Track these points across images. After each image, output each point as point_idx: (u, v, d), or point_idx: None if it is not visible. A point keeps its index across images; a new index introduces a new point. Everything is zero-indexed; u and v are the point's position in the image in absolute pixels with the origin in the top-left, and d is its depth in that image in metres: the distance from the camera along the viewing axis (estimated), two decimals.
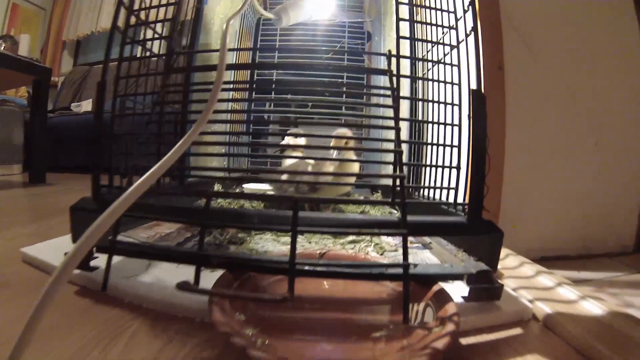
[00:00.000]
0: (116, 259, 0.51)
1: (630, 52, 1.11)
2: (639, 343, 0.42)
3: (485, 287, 0.46)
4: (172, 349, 0.35)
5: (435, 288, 0.41)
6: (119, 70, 0.51)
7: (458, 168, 0.51)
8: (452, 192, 0.58)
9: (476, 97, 0.45)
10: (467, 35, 0.53)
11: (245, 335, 0.30)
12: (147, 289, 0.45)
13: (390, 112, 0.40)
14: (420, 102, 0.78)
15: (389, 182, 0.52)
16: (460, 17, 0.56)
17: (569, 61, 1.05)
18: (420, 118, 0.77)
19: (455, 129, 0.55)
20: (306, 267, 0.36)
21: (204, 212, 0.31)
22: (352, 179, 0.70)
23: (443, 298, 0.39)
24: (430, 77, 0.54)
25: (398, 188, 0.38)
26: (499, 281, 0.47)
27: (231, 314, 0.34)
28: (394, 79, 0.39)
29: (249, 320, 0.33)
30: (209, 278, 0.39)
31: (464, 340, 0.41)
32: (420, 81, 0.76)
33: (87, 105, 2.93)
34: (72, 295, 0.47)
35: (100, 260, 0.49)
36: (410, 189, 0.75)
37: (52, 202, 1.31)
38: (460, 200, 0.56)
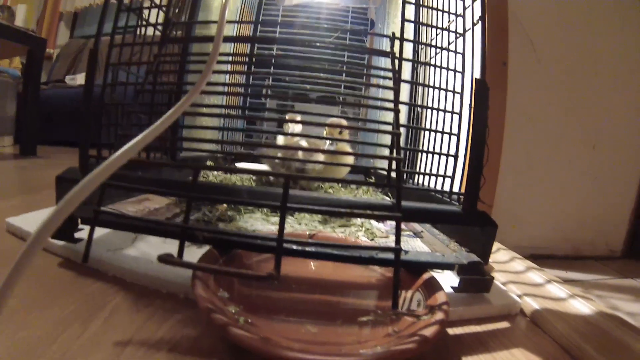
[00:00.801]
0: (102, 231, 0.50)
1: (633, 59, 1.11)
2: (626, 346, 0.42)
3: (476, 279, 0.45)
4: (153, 325, 0.34)
5: (425, 276, 0.40)
6: (112, 39, 0.49)
7: (456, 156, 0.50)
8: (446, 180, 0.57)
9: (480, 86, 0.44)
10: (473, 25, 0.52)
11: (227, 312, 0.29)
12: (131, 263, 0.44)
13: (390, 94, 0.39)
14: (420, 88, 0.76)
15: (383, 165, 0.51)
16: (468, 6, 0.55)
17: (572, 63, 1.04)
18: (420, 103, 0.75)
19: (455, 117, 0.54)
20: (295, 247, 0.35)
21: (192, 186, 0.30)
22: (346, 166, 0.68)
23: (433, 286, 0.38)
24: (433, 63, 0.53)
25: (393, 172, 0.37)
26: (490, 274, 0.47)
27: (215, 290, 0.33)
28: (396, 61, 0.38)
29: (233, 298, 0.32)
30: (195, 254, 0.38)
31: (451, 331, 0.41)
32: (421, 67, 0.74)
33: (81, 79, 2.87)
34: (55, 267, 0.46)
35: (86, 232, 0.47)
36: (404, 175, 0.73)
37: (42, 174, 1.29)
38: (455, 189, 0.55)
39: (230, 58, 0.64)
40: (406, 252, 0.42)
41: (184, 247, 0.31)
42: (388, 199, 0.79)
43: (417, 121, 0.72)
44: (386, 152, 0.50)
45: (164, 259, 0.26)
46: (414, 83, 0.50)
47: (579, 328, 0.45)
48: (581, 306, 0.49)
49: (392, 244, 0.59)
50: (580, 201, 1.16)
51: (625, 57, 1.09)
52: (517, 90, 0.92)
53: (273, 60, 0.79)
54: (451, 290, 0.46)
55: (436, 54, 0.55)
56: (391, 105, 0.38)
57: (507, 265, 0.61)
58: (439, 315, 0.31)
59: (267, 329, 0.29)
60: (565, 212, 1.16)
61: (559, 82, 1.02)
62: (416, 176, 0.67)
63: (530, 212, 1.09)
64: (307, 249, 0.36)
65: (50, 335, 0.32)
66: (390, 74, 0.42)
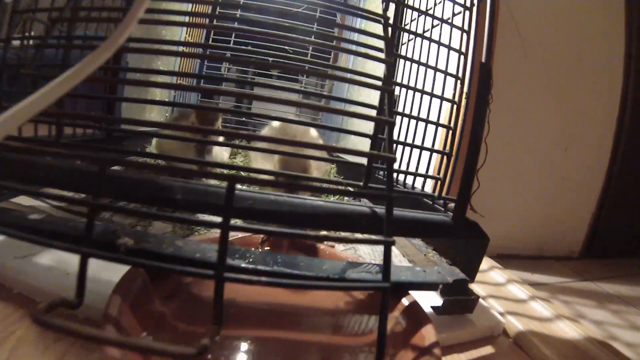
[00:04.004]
0: None
1: (612, 68, 1.12)
2: None
3: (461, 299, 0.39)
4: None
5: (405, 301, 0.33)
6: None
7: (449, 155, 0.43)
8: (422, 180, 0.50)
9: (483, 73, 0.37)
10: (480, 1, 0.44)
11: None
12: (41, 277, 0.34)
13: (373, 69, 0.30)
14: (400, 68, 0.65)
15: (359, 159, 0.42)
16: None
17: (556, 65, 1.02)
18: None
19: (433, 108, 0.46)
20: (242, 271, 0.26)
21: (97, 184, 0.20)
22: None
23: (417, 316, 0.31)
24: (435, 38, 0.44)
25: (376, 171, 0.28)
26: (475, 293, 0.41)
27: (135, 331, 0.23)
28: (390, 28, 0.29)
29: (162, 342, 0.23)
30: (116, 268, 0.28)
31: None
32: (404, 44, 0.65)
33: None
34: None
35: None
36: (377, 172, 0.63)
37: None
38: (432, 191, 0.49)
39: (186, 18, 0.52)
40: (380, 266, 0.35)
41: (84, 283, 0.21)
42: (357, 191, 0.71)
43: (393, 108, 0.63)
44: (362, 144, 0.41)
45: (39, 319, 0.16)
46: (408, 59, 0.41)
47: (568, 354, 0.40)
48: (568, 328, 0.44)
49: (366, 251, 0.52)
50: (546, 202, 1.16)
51: (606, 65, 1.09)
52: (500, 85, 0.87)
53: (235, 24, 0.67)
54: (430, 310, 0.39)
55: (433, 26, 0.46)
56: (375, 82, 0.29)
57: (486, 276, 0.56)
58: None
59: None
60: (531, 212, 1.15)
61: (542, 80, 0.99)
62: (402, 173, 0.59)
63: (500, 213, 1.07)
64: (260, 271, 0.27)
65: None
66: (372, 44, 0.33)
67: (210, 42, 0.90)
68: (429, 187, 0.64)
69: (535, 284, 0.97)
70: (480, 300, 0.46)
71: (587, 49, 1.05)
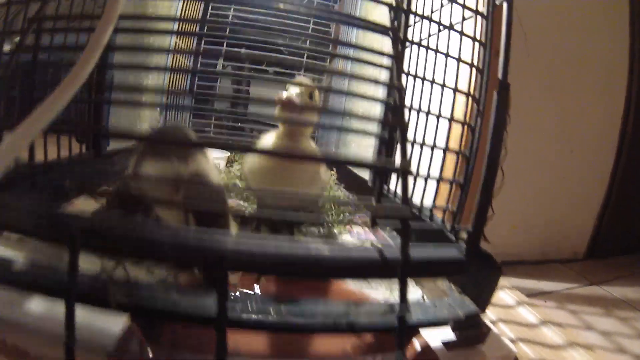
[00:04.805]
0: None
1: (614, 69, 1.10)
2: None
3: (473, 333, 0.37)
4: None
5: (417, 344, 0.31)
6: None
7: (464, 184, 0.40)
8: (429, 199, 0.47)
9: (501, 90, 0.34)
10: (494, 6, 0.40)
11: None
12: (32, 327, 0.31)
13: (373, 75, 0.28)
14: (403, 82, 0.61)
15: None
16: None
17: (559, 65, 0.99)
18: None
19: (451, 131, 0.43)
20: (244, 324, 0.24)
21: (74, 265, 0.17)
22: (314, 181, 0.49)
23: None
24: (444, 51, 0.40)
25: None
26: (487, 325, 0.39)
27: None
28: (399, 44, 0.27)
29: None
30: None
31: None
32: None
33: None
34: None
35: None
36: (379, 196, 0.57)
37: None
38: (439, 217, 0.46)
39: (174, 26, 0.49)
40: (390, 306, 0.33)
41: (74, 332, 0.18)
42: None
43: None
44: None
45: None
46: (416, 77, 0.38)
47: None
48: (580, 357, 0.43)
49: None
50: (551, 204, 1.14)
51: (609, 66, 1.07)
52: None
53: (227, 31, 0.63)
54: (441, 345, 0.37)
55: (439, 31, 0.41)
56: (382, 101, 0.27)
57: (495, 297, 0.54)
58: None
59: None
60: (536, 216, 1.13)
61: (544, 80, 0.96)
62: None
63: (503, 219, 1.05)
64: (263, 321, 0.25)
65: None
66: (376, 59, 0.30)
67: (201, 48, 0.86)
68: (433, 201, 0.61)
69: (542, 293, 0.96)
70: (491, 325, 0.45)
71: (591, 49, 1.03)
